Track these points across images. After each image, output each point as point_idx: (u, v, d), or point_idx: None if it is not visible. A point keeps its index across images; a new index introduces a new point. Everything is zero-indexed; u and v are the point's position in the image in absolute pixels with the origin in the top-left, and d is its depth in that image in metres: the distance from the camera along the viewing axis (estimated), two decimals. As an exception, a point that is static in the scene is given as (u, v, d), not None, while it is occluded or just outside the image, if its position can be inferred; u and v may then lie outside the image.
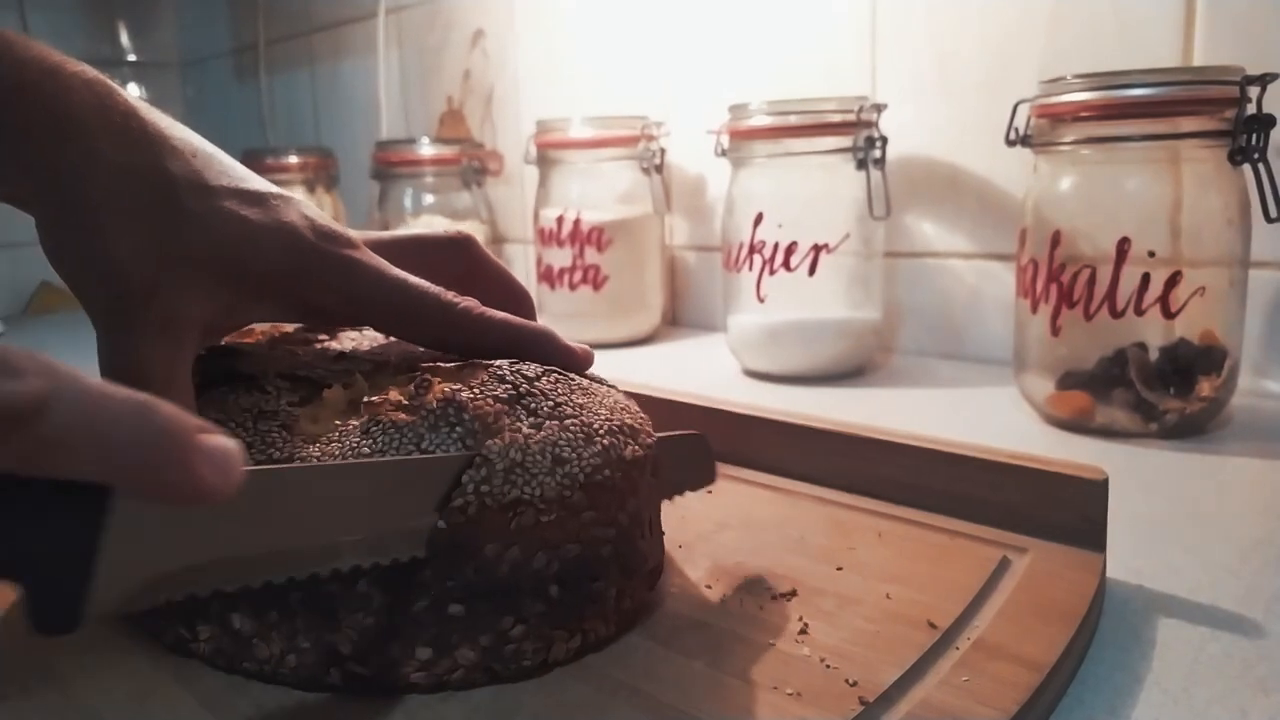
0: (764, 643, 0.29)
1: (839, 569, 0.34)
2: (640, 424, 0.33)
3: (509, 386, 0.30)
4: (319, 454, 0.28)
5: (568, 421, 0.29)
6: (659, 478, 0.33)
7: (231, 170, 0.33)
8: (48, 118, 0.29)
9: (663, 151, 0.89)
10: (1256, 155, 0.51)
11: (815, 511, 0.40)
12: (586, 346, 0.36)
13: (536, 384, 0.31)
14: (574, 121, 0.88)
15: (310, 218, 0.33)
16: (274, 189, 0.33)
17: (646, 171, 0.89)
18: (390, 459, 0.27)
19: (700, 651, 0.29)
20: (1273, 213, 0.51)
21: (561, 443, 0.29)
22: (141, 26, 1.60)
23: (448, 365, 0.32)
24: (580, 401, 0.31)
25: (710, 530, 0.38)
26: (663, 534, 0.34)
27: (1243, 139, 0.51)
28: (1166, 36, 0.62)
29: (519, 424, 0.29)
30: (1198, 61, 0.61)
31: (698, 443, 0.38)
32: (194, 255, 0.30)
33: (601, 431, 0.30)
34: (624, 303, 0.89)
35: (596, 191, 0.89)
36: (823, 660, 0.28)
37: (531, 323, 0.36)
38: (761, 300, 0.72)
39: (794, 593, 0.32)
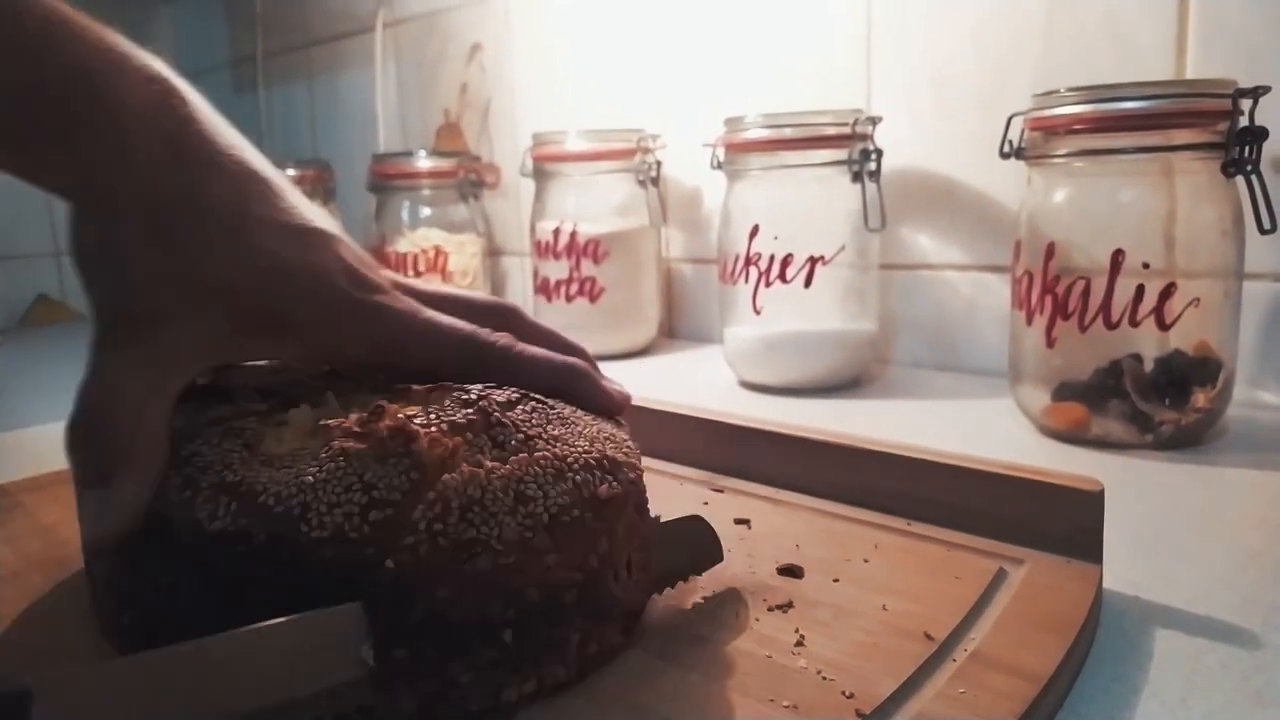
0: (760, 655, 0.29)
1: (835, 581, 0.34)
2: (625, 456, 0.31)
3: (473, 411, 0.28)
4: (266, 479, 0.26)
5: (538, 455, 0.27)
6: (647, 524, 0.31)
7: (276, 199, 0.31)
8: (100, 112, 0.28)
9: (659, 164, 0.89)
10: (1250, 167, 0.51)
11: (811, 523, 0.40)
12: (624, 390, 0.35)
13: (509, 414, 0.29)
14: (570, 134, 0.88)
15: (346, 259, 0.32)
16: (316, 224, 0.32)
17: (643, 184, 0.89)
18: (243, 631, 0.22)
19: (696, 664, 0.28)
20: (1266, 224, 0.51)
21: (528, 479, 0.27)
22: (138, 38, 1.58)
23: (418, 388, 0.30)
24: (556, 433, 0.29)
25: (706, 542, 0.38)
26: (646, 573, 0.31)
27: (1236, 151, 0.51)
28: (1159, 50, 0.63)
29: (480, 456, 0.27)
30: (1190, 74, 0.62)
31: (698, 526, 0.35)
32: (213, 292, 0.29)
33: (575, 466, 0.28)
34: (620, 315, 0.89)
35: (593, 204, 0.89)
36: (819, 672, 0.28)
37: (569, 358, 0.35)
38: (758, 312, 0.72)
39: (790, 604, 0.32)
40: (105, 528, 0.27)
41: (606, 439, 0.31)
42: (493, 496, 0.26)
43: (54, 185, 0.30)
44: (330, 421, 0.28)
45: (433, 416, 0.28)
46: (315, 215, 0.33)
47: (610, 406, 0.34)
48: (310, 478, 0.26)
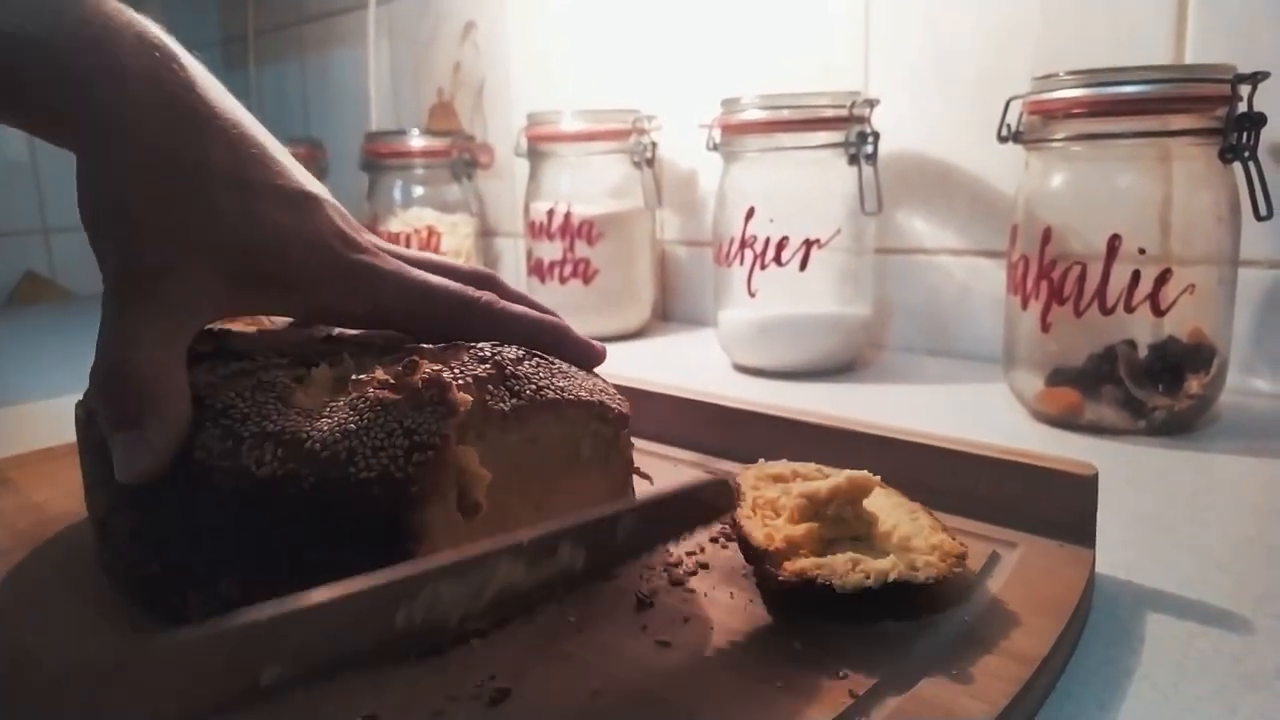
0: (754, 635, 0.29)
1: (829, 563, 0.34)
2: (617, 405, 0.35)
3: (490, 366, 0.31)
4: (309, 428, 0.28)
5: None
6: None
7: (272, 164, 0.33)
8: (103, 75, 0.30)
9: (654, 145, 0.89)
10: (1247, 154, 0.51)
11: (805, 505, 0.40)
12: (600, 344, 0.38)
13: (519, 368, 0.32)
14: (565, 114, 0.88)
15: (338, 223, 0.34)
16: (309, 188, 0.34)
17: (638, 165, 0.89)
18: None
19: (690, 644, 0.28)
20: (1262, 211, 0.51)
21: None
22: (129, 15, 1.59)
23: (431, 347, 0.33)
24: (561, 385, 0.32)
25: (700, 524, 0.38)
26: None
27: (1233, 137, 0.51)
28: (1159, 34, 0.63)
29: (500, 404, 0.30)
30: (1189, 59, 0.61)
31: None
32: (216, 249, 0.31)
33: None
34: (614, 297, 0.89)
35: (587, 185, 0.88)
36: (813, 653, 0.28)
37: (547, 316, 0.37)
38: (752, 295, 0.72)
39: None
40: (139, 467, 0.28)
41: (601, 390, 0.35)
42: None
43: (62, 141, 0.31)
44: (363, 376, 0.30)
45: (456, 370, 0.30)
46: (306, 179, 0.34)
47: (590, 357, 0.37)
48: (353, 425, 0.28)
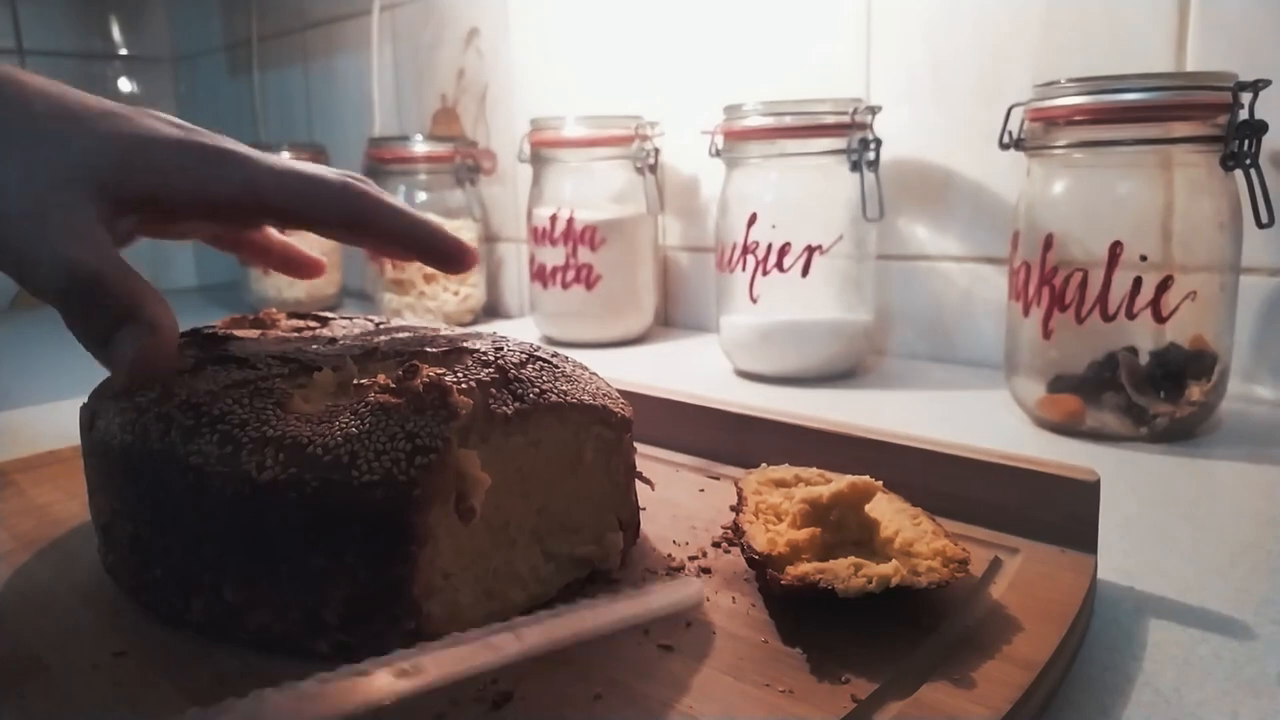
0: (756, 640, 0.29)
1: (831, 568, 0.34)
2: (621, 409, 0.35)
3: (493, 370, 0.31)
4: (310, 432, 0.28)
5: None
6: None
7: (89, 99, 0.34)
8: None
9: (657, 151, 0.89)
10: (1248, 161, 0.51)
11: (807, 511, 0.40)
12: (470, 244, 0.38)
13: (523, 371, 0.32)
14: (568, 120, 0.88)
15: (181, 124, 0.35)
16: (136, 108, 0.34)
17: (640, 171, 0.89)
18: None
19: (692, 649, 0.28)
20: (1264, 218, 0.51)
21: None
22: (134, 21, 1.59)
23: (435, 351, 0.33)
24: (564, 388, 0.33)
25: (702, 528, 0.38)
26: None
27: (1235, 145, 0.51)
28: (1159, 42, 0.63)
29: (503, 407, 0.30)
30: (1190, 67, 0.62)
31: None
32: (75, 175, 0.31)
33: None
34: (616, 302, 0.89)
35: (590, 191, 0.88)
36: (815, 658, 0.28)
37: (419, 214, 0.37)
38: (754, 301, 0.72)
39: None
40: (152, 347, 0.29)
41: (605, 394, 0.35)
42: None
43: None
44: (364, 380, 0.30)
45: (459, 374, 0.30)
46: (129, 107, 0.35)
47: (460, 254, 0.37)
48: (354, 429, 0.28)
